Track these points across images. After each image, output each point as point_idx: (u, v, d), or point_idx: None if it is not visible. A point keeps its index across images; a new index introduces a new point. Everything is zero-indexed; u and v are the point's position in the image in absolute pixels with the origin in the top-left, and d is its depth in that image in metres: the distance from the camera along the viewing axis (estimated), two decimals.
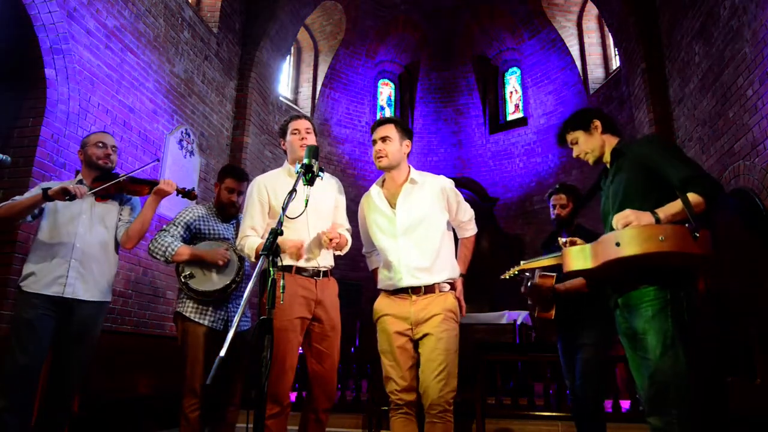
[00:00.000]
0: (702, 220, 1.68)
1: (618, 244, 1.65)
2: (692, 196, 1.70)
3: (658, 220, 1.71)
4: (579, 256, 1.83)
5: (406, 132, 2.41)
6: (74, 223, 2.55)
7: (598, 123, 2.10)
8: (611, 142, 2.10)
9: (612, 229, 1.80)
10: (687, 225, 1.64)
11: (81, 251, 2.52)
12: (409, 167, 2.42)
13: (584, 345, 2.83)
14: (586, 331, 2.83)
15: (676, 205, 1.73)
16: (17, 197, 2.51)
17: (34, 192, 2.49)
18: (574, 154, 2.17)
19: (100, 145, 2.69)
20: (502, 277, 2.41)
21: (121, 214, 2.75)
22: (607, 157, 2.10)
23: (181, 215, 2.83)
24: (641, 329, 1.80)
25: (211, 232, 2.81)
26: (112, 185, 2.61)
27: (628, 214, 1.72)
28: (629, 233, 1.65)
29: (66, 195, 2.36)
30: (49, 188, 2.38)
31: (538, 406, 4.24)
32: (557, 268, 2.42)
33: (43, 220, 2.54)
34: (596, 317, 2.80)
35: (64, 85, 3.84)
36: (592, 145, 2.10)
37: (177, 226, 2.77)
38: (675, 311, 1.75)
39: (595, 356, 2.79)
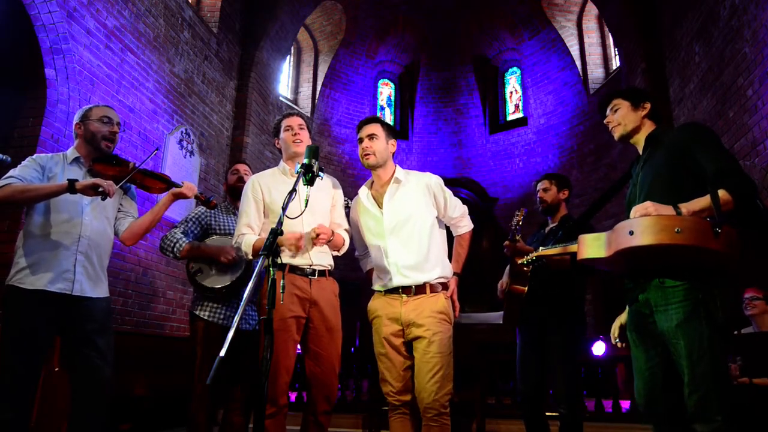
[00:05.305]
0: (745, 222, 1.58)
1: (631, 233, 1.55)
2: (722, 193, 1.59)
3: (680, 215, 1.59)
4: (593, 244, 1.72)
5: (392, 132, 2.43)
6: (77, 210, 2.21)
7: (648, 105, 2.00)
8: (649, 127, 2.00)
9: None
10: (709, 219, 1.54)
11: (87, 243, 2.21)
12: (395, 167, 2.42)
13: (560, 342, 2.71)
14: (558, 328, 2.73)
15: (702, 201, 1.61)
16: (25, 181, 2.14)
17: (56, 182, 2.17)
18: (606, 121, 2.08)
19: (105, 120, 2.32)
20: (519, 261, 2.35)
21: (121, 204, 2.42)
22: (640, 141, 2.01)
23: (192, 212, 2.86)
24: (672, 334, 1.69)
25: (222, 227, 2.83)
26: (133, 176, 2.33)
27: (647, 205, 1.62)
28: (645, 222, 1.55)
29: (96, 192, 2.07)
30: (76, 180, 2.09)
31: None
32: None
33: (38, 207, 2.18)
34: (569, 312, 2.75)
35: (64, 85, 3.84)
36: (630, 119, 2.00)
37: (188, 223, 2.80)
38: (708, 312, 1.64)
39: (574, 355, 2.75)
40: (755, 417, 2.86)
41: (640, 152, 2.02)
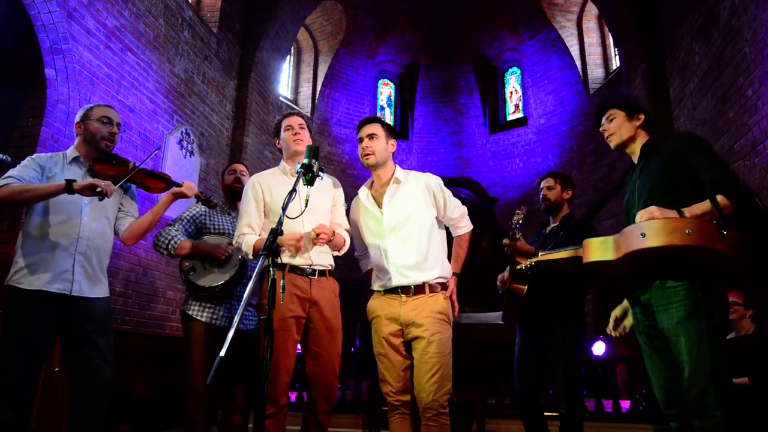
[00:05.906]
0: (738, 225, 1.63)
1: (643, 235, 1.60)
2: (720, 198, 1.66)
3: (683, 218, 1.65)
4: (600, 248, 1.77)
5: (392, 131, 2.44)
6: (76, 211, 2.21)
7: (642, 116, 2.10)
8: (643, 138, 2.09)
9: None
10: (715, 222, 1.60)
11: (85, 244, 2.21)
12: (395, 167, 2.43)
13: (560, 342, 2.69)
14: (558, 327, 2.71)
15: (703, 206, 1.69)
16: (24, 181, 2.13)
17: (56, 182, 2.16)
18: (602, 129, 2.17)
19: (105, 120, 2.32)
20: (518, 267, 2.36)
21: (121, 204, 2.42)
22: (635, 151, 2.09)
23: (187, 211, 2.85)
24: (672, 331, 1.75)
25: (216, 226, 2.82)
26: (133, 176, 2.33)
27: (653, 209, 1.68)
28: (655, 224, 1.60)
29: (94, 192, 2.06)
30: (74, 180, 2.08)
31: None
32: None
33: (36, 207, 2.18)
34: (569, 312, 2.73)
35: (64, 85, 3.84)
36: (624, 129, 2.09)
37: (182, 221, 2.79)
38: (708, 311, 1.71)
39: (574, 355, 2.73)
40: (755, 417, 2.86)
41: (635, 161, 2.10)
